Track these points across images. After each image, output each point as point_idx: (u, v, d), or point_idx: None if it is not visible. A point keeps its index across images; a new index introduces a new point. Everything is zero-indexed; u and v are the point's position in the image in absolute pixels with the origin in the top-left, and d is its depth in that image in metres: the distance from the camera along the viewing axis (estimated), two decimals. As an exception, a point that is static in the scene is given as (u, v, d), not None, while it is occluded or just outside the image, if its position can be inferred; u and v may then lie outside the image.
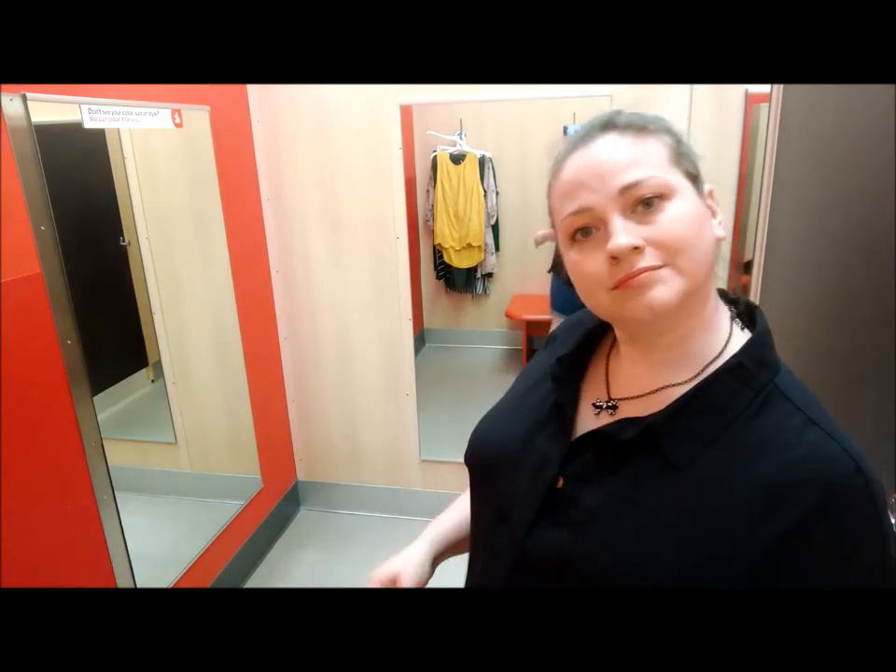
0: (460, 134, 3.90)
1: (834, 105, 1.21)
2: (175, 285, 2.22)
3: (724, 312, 0.60)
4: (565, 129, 3.40)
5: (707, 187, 0.57)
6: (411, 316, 2.36)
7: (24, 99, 1.28)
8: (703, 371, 0.55)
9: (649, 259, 0.50)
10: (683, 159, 0.55)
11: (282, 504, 2.56)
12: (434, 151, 3.96)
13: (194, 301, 2.24)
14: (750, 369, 0.54)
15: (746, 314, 0.62)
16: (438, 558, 0.77)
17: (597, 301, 0.55)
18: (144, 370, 2.44)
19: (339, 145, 2.23)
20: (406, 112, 2.33)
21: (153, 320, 2.23)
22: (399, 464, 2.59)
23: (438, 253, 4.23)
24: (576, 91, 2.08)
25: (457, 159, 3.89)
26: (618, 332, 0.62)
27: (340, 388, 2.53)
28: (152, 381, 2.45)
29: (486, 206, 3.99)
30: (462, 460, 0.72)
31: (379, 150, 2.20)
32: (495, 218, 4.08)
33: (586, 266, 0.53)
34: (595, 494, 0.55)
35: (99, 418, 1.49)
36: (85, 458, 1.46)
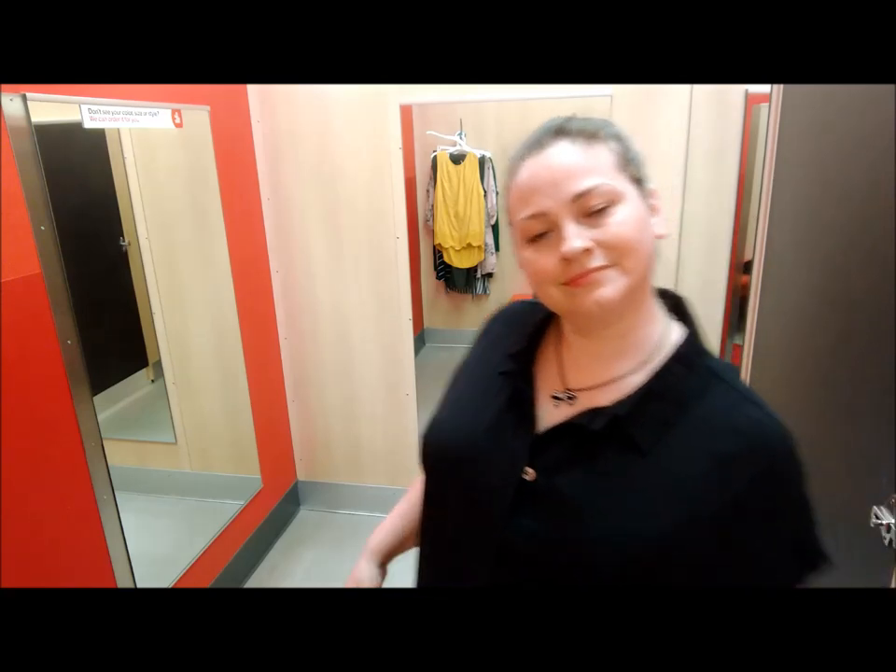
0: (460, 134, 3.90)
1: (834, 105, 1.21)
2: (175, 285, 2.22)
3: (659, 304, 0.65)
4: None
5: (650, 186, 0.61)
6: (411, 316, 2.36)
7: (24, 99, 1.28)
8: (648, 359, 0.61)
9: (597, 259, 0.56)
10: (629, 164, 0.59)
11: (282, 504, 2.56)
12: (434, 151, 3.96)
13: (194, 301, 2.24)
14: (693, 356, 0.61)
15: (674, 305, 0.66)
16: (385, 562, 0.84)
17: (549, 295, 0.60)
18: (144, 370, 2.44)
19: (339, 145, 2.23)
20: (406, 112, 2.33)
21: (153, 320, 2.23)
22: (399, 464, 2.59)
23: (438, 253, 4.23)
24: (576, 91, 2.08)
25: (457, 159, 3.89)
26: (568, 325, 0.66)
27: (340, 388, 2.53)
28: (152, 381, 2.45)
29: (486, 206, 3.99)
30: None
31: (379, 150, 2.20)
32: (495, 218, 4.08)
33: (540, 263, 0.58)
34: (571, 483, 0.58)
35: (99, 418, 1.49)
36: (85, 458, 1.46)
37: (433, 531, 0.73)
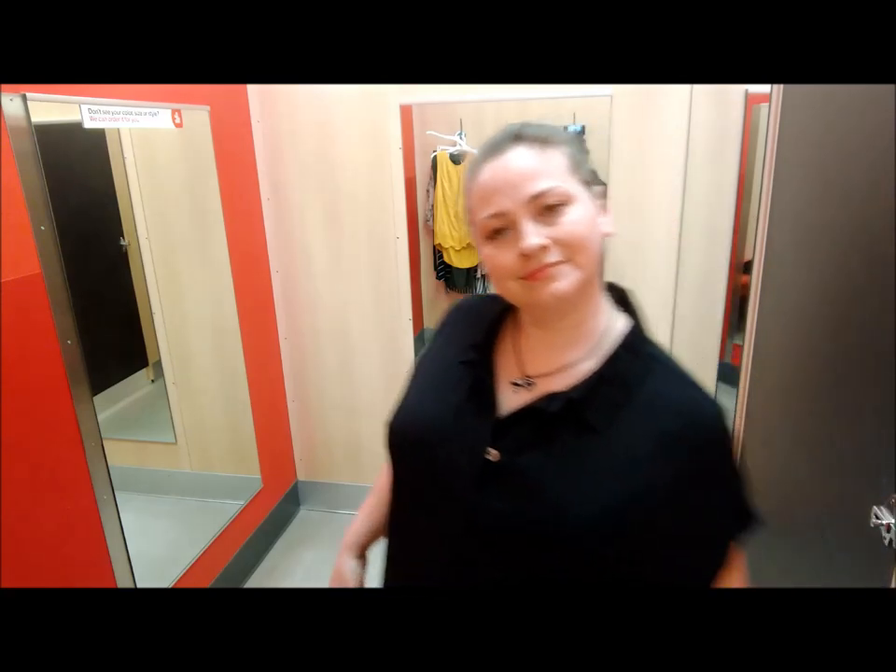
0: (460, 134, 3.90)
1: (834, 105, 1.21)
2: (174, 285, 2.22)
3: (607, 296, 0.71)
4: (565, 129, 3.40)
5: (599, 189, 0.67)
6: (411, 316, 2.36)
7: (24, 99, 1.28)
8: (598, 346, 0.67)
9: (553, 255, 0.61)
10: (580, 168, 0.65)
11: (282, 504, 2.56)
12: (434, 151, 3.96)
13: (194, 301, 2.24)
14: (637, 343, 0.68)
15: (619, 298, 0.73)
16: (362, 553, 0.89)
17: (508, 289, 0.65)
18: (144, 370, 2.44)
19: (339, 145, 2.23)
20: (406, 112, 2.33)
21: (153, 320, 2.23)
22: (399, 464, 2.59)
23: (438, 253, 4.23)
24: (576, 91, 2.08)
25: (457, 159, 3.89)
26: (525, 316, 0.71)
27: (340, 388, 2.53)
28: (152, 381, 2.45)
29: (486, 206, 3.98)
30: None
31: (379, 150, 2.20)
32: (495, 218, 4.07)
33: (499, 259, 0.63)
34: (532, 462, 0.63)
35: (99, 418, 1.49)
36: (85, 458, 1.46)
37: (401, 513, 0.76)
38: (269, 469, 2.43)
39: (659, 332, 2.21)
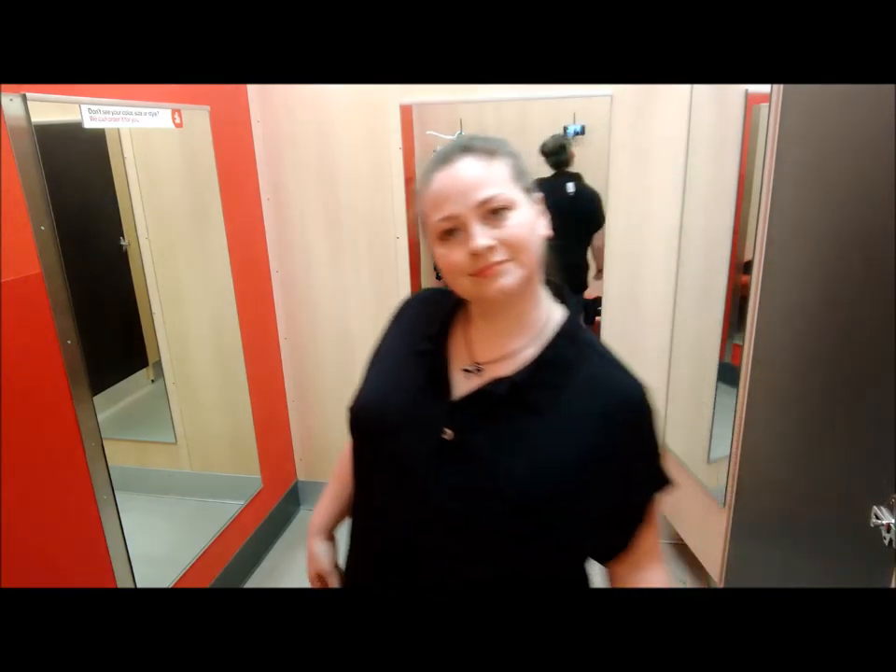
0: (460, 135, 3.90)
1: (834, 106, 1.21)
2: (174, 285, 2.22)
3: (546, 290, 0.78)
4: (565, 129, 3.40)
5: (537, 195, 0.74)
6: (411, 316, 2.35)
7: (24, 99, 1.28)
8: (539, 335, 0.75)
9: (499, 254, 0.68)
10: (522, 177, 0.72)
11: (282, 504, 2.56)
12: (434, 151, 3.96)
13: (194, 300, 2.24)
14: (573, 331, 0.75)
15: (556, 291, 0.80)
16: (330, 535, 0.98)
17: (460, 284, 0.72)
18: (144, 370, 2.44)
19: (339, 144, 2.23)
20: (406, 112, 2.32)
21: (153, 320, 2.23)
22: (399, 464, 2.59)
23: (438, 253, 4.23)
24: (576, 91, 2.08)
25: (457, 159, 3.89)
26: (475, 308, 0.79)
27: (340, 388, 2.52)
28: (152, 381, 2.45)
29: (486, 206, 3.98)
30: None
31: (379, 150, 2.20)
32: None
33: (451, 258, 0.70)
34: (482, 440, 0.71)
35: (99, 418, 1.49)
36: (85, 458, 1.45)
37: (364, 491, 0.83)
38: (269, 469, 2.43)
39: (659, 332, 2.21)
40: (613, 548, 0.77)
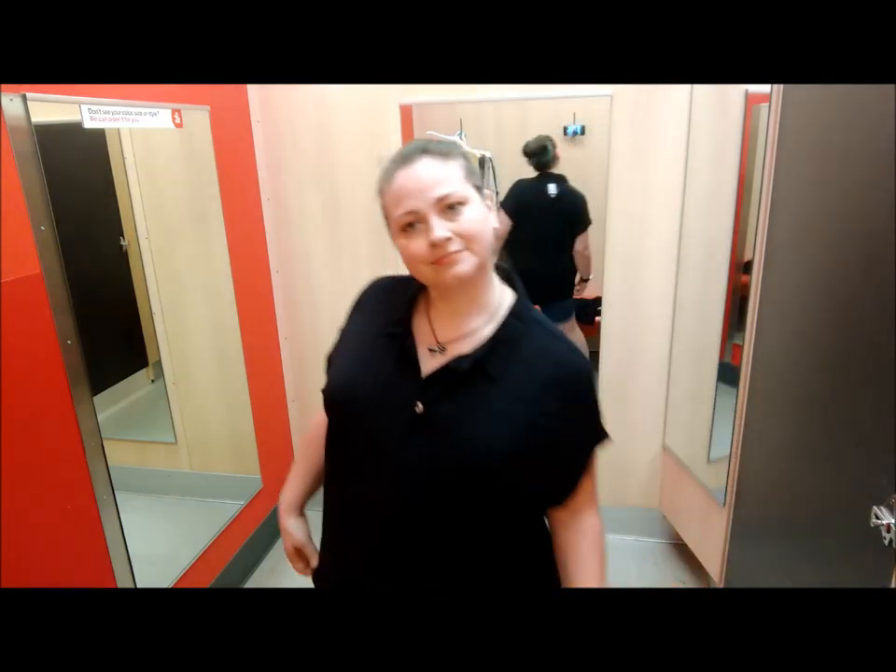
0: (460, 134, 3.90)
1: (834, 106, 1.21)
2: (175, 285, 2.22)
3: (497, 276, 0.88)
4: (565, 129, 3.40)
5: (487, 192, 0.83)
6: (411, 316, 2.35)
7: (24, 99, 1.28)
8: (493, 315, 0.85)
9: (455, 245, 0.77)
10: (472, 176, 0.81)
11: (282, 504, 2.56)
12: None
13: (194, 300, 2.24)
14: (522, 310, 0.86)
15: (506, 276, 0.90)
16: (301, 511, 1.05)
17: (420, 271, 0.81)
18: (144, 370, 2.44)
19: (339, 145, 2.23)
20: (406, 112, 2.32)
21: (153, 320, 2.23)
22: (399, 464, 2.58)
23: (438, 253, 4.22)
24: (576, 91, 2.08)
25: (457, 159, 3.88)
26: (434, 293, 0.87)
27: (340, 388, 2.52)
28: (152, 381, 2.45)
29: (486, 206, 3.97)
30: None
31: (379, 150, 2.20)
32: (495, 218, 4.06)
33: (412, 248, 0.79)
34: (449, 409, 0.80)
35: (99, 418, 1.48)
36: (85, 458, 1.45)
37: (339, 466, 0.91)
38: (269, 469, 2.43)
39: (659, 332, 2.21)
40: (561, 495, 0.89)
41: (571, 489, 0.88)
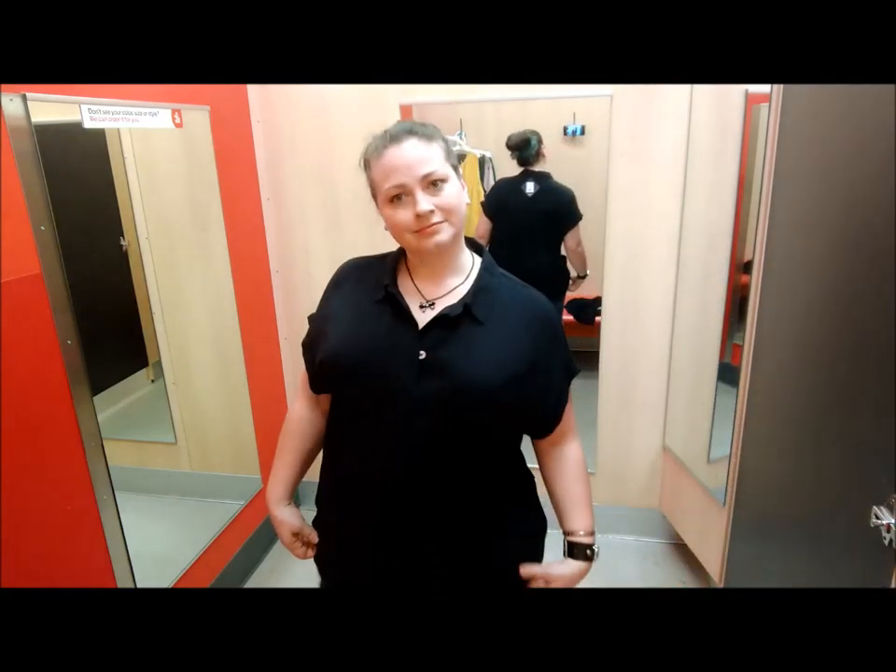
0: (460, 134, 3.90)
1: (834, 105, 1.21)
2: (175, 285, 2.21)
3: (467, 245, 1.03)
4: (564, 129, 3.40)
5: (461, 171, 0.95)
6: (411, 316, 2.35)
7: (24, 99, 1.28)
8: (469, 275, 1.00)
9: (436, 216, 0.89)
10: (451, 156, 0.94)
11: (282, 504, 2.56)
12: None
13: (194, 300, 2.24)
14: (491, 268, 1.02)
15: (473, 246, 1.05)
16: (290, 500, 1.17)
17: (405, 240, 0.93)
18: (144, 370, 2.44)
19: (339, 144, 2.23)
20: (406, 112, 2.32)
21: (153, 320, 2.23)
22: (399, 464, 2.58)
23: (438, 253, 4.22)
24: (576, 91, 2.08)
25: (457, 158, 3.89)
26: (415, 259, 0.99)
27: (340, 388, 2.52)
28: (152, 381, 2.45)
29: (486, 206, 3.97)
30: None
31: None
32: (495, 218, 4.06)
33: (398, 218, 0.91)
34: (446, 353, 0.92)
35: (99, 418, 1.48)
36: (85, 458, 1.45)
37: (344, 424, 1.02)
38: (269, 470, 2.42)
39: (659, 332, 2.21)
40: (548, 423, 1.04)
41: (557, 417, 1.04)
